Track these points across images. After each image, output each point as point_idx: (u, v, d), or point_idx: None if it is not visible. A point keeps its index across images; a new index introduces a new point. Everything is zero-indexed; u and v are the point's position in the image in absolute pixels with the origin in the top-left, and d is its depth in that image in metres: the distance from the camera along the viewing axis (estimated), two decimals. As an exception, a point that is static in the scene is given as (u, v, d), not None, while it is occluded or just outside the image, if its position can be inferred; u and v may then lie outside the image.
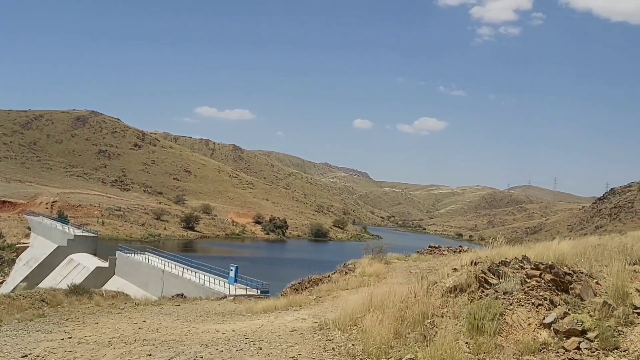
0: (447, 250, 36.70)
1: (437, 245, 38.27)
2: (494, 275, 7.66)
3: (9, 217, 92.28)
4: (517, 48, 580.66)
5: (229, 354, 7.29)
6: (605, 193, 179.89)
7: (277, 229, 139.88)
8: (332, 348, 7.35)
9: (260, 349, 7.68)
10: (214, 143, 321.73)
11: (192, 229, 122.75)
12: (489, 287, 7.48)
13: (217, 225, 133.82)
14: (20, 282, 62.12)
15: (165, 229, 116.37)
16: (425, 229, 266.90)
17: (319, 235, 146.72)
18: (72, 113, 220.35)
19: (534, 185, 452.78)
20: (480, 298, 7.23)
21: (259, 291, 34.62)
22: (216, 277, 38.35)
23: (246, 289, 34.72)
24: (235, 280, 37.17)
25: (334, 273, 34.93)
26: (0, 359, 7.97)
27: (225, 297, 31.82)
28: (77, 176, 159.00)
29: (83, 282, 52.73)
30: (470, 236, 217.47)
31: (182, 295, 31.24)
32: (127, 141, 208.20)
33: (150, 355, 7.73)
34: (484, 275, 7.65)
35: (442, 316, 7.39)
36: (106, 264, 53.92)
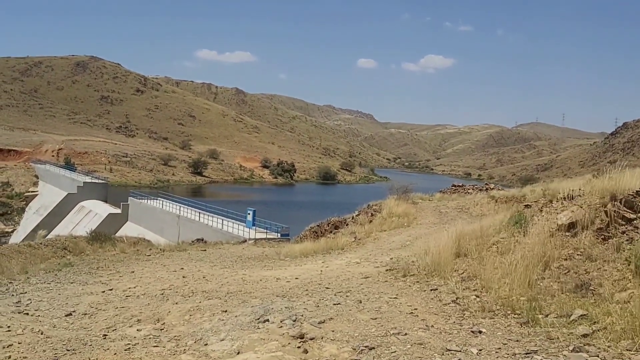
0: (472, 189, 35.58)
1: (460, 184, 37.11)
2: (630, 209, 6.27)
3: (15, 165, 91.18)
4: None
5: (331, 310, 5.90)
6: (618, 128, 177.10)
7: (285, 172, 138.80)
8: (452, 301, 6.05)
9: (360, 302, 6.38)
10: (216, 87, 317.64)
11: (200, 174, 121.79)
12: (625, 223, 6.12)
13: (225, 170, 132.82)
14: (32, 230, 61.65)
15: (173, 174, 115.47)
16: (432, 169, 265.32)
17: (327, 179, 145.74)
18: (72, 59, 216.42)
19: (542, 122, 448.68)
20: (620, 236, 5.88)
21: (278, 234, 33.64)
22: (233, 221, 37.32)
23: (266, 232, 33.71)
24: (253, 224, 36.17)
25: (358, 214, 33.89)
26: (40, 319, 6.74)
27: (245, 241, 30.86)
28: (81, 123, 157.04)
29: (96, 230, 52.10)
30: (479, 175, 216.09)
31: (202, 240, 30.26)
32: (128, 86, 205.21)
33: (226, 311, 6.45)
34: (617, 210, 6.26)
35: (569, 259, 6.07)
36: (119, 211, 53.01)
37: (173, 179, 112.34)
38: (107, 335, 5.85)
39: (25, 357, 5.37)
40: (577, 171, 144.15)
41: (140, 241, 22.85)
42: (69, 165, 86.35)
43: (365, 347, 4.70)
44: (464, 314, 5.78)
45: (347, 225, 33.61)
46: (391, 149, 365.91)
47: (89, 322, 6.61)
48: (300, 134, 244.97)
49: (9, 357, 5.22)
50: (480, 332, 5.13)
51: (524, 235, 7.02)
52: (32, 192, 79.83)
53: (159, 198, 48.91)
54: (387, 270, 8.57)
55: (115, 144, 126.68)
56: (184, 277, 10.75)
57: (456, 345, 4.77)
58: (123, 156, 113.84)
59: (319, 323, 5.50)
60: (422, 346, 4.72)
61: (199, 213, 40.52)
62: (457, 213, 24.47)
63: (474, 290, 6.28)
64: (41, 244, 18.36)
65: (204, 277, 10.47)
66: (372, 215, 33.17)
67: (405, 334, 5.07)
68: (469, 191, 33.02)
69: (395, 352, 4.54)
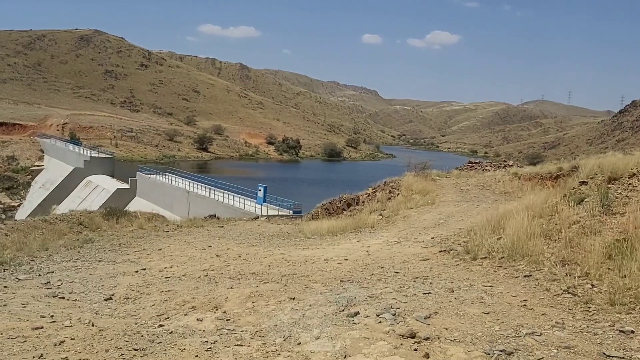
0: (490, 166, 34.91)
1: (477, 161, 36.45)
2: None
3: (20, 139, 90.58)
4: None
5: (428, 302, 5.12)
6: (626, 106, 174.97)
7: (290, 149, 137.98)
8: (564, 291, 5.32)
9: (452, 290, 5.67)
10: (220, 62, 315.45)
11: (206, 150, 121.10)
12: None
13: (230, 147, 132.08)
14: (38, 205, 61.33)
15: (179, 150, 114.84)
16: (438, 146, 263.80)
17: (332, 155, 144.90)
18: (75, 32, 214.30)
19: (548, 100, 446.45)
20: None
21: (290, 211, 33.13)
22: (244, 197, 36.82)
23: (278, 209, 33.21)
24: (264, 201, 35.70)
25: (374, 191, 33.34)
26: (78, 304, 6.08)
27: (258, 217, 30.36)
28: (86, 97, 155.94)
29: (104, 204, 51.73)
30: (485, 152, 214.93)
31: (215, 216, 29.79)
32: (132, 61, 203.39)
33: (294, 299, 5.76)
34: None
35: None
36: (127, 186, 52.55)
37: (179, 154, 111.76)
38: (162, 325, 5.18)
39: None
40: (584, 149, 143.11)
41: (154, 217, 22.35)
42: (74, 140, 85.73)
43: (501, 351, 4.01)
44: (589, 308, 5.06)
45: (362, 202, 33.12)
46: (396, 125, 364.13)
47: (134, 308, 5.98)
48: (304, 110, 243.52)
49: (66, 359, 4.51)
50: (632, 331, 4.47)
51: (606, 214, 6.38)
52: (38, 166, 79.35)
53: (167, 173, 48.39)
54: (441, 251, 7.96)
55: (120, 118, 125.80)
56: (217, 255, 10.18)
57: (615, 350, 4.09)
58: (128, 131, 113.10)
59: (425, 318, 4.83)
60: (572, 351, 4.05)
61: (209, 189, 40.01)
62: (479, 190, 23.86)
63: (579, 277, 5.59)
64: (57, 218, 17.81)
65: (239, 256, 9.88)
66: (390, 192, 32.61)
67: (541, 334, 4.38)
68: (486, 168, 32.39)
69: (542, 358, 3.87)
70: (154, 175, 49.76)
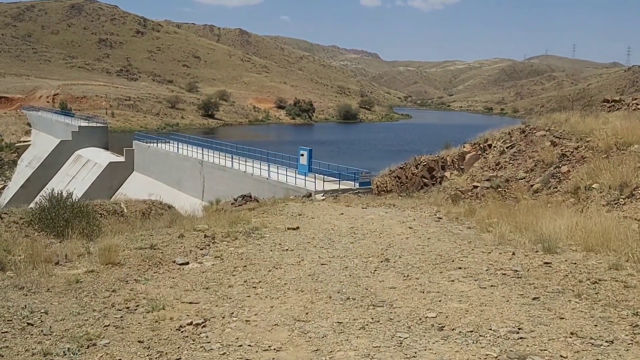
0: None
1: (617, 99, 26.30)
2: None
3: (5, 113, 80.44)
4: None
5: None
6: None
7: (303, 112, 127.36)
8: None
9: None
10: (219, 28, 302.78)
11: (212, 116, 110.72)
12: None
13: (238, 112, 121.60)
14: (21, 186, 51.64)
15: (182, 117, 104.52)
16: (449, 106, 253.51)
17: (347, 118, 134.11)
18: (66, 1, 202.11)
19: (552, 55, 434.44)
20: None
21: (356, 183, 23.11)
22: (279, 165, 26.75)
23: (338, 181, 23.10)
24: (310, 170, 25.61)
25: (469, 151, 23.61)
26: None
27: (311, 195, 20.34)
28: (79, 67, 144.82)
29: (96, 182, 41.80)
30: (502, 109, 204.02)
31: (250, 197, 19.73)
32: (127, 28, 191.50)
33: None
34: None
35: None
36: (122, 159, 42.52)
37: (183, 122, 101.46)
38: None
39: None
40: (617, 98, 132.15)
41: (152, 207, 12.41)
42: (65, 111, 75.46)
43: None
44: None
45: (455, 167, 23.00)
46: (400, 87, 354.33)
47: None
48: (310, 74, 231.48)
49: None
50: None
51: None
52: (25, 142, 69.43)
53: (172, 141, 38.21)
54: None
55: (117, 87, 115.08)
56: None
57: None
58: (126, 100, 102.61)
59: None
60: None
61: (231, 157, 29.81)
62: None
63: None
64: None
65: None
66: (484, 150, 22.46)
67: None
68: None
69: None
70: (155, 144, 39.56)
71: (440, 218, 11.17)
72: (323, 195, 20.51)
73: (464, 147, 22.82)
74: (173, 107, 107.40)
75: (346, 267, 7.07)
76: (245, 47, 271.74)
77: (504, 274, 6.63)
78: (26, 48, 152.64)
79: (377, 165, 31.03)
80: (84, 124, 55.71)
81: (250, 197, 19.43)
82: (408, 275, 6.66)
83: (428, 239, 8.81)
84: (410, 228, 9.93)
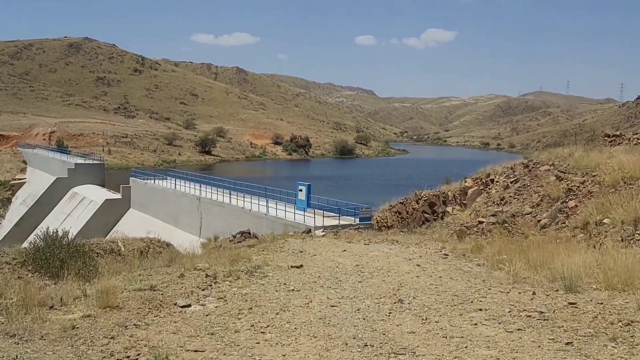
0: None
1: (617, 134, 26.17)
2: None
3: (0, 151, 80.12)
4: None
5: None
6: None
7: (299, 148, 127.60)
8: None
9: None
10: (216, 67, 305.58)
11: (209, 153, 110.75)
12: None
13: (235, 148, 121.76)
14: (15, 224, 50.97)
15: (179, 154, 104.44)
16: (445, 141, 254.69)
17: (344, 153, 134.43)
18: (64, 40, 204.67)
19: (547, 91, 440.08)
20: None
21: (356, 219, 22.70)
22: (277, 201, 26.34)
23: (338, 217, 22.68)
24: (309, 205, 25.22)
25: (470, 186, 23.35)
26: None
27: (310, 230, 19.99)
28: (76, 105, 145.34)
29: (91, 219, 41.24)
30: (499, 144, 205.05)
31: (249, 232, 19.35)
32: (125, 67, 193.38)
33: None
34: None
35: None
36: (118, 196, 42.08)
37: (180, 159, 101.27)
38: None
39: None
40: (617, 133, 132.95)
41: (150, 245, 11.97)
42: (62, 148, 75.20)
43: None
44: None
45: (456, 202, 22.67)
46: (396, 123, 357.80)
47: None
48: (307, 110, 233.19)
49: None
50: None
51: None
52: (19, 179, 68.81)
53: (169, 177, 37.86)
54: None
55: (114, 124, 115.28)
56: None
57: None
58: (123, 137, 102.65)
59: None
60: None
61: (229, 193, 29.45)
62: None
63: None
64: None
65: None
66: (486, 185, 22.24)
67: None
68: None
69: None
70: (152, 180, 39.19)
71: (446, 255, 10.81)
72: (323, 231, 20.12)
73: (465, 181, 22.55)
74: (170, 144, 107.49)
75: (358, 309, 6.63)
76: (242, 84, 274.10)
77: (529, 316, 6.21)
78: (23, 86, 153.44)
79: (375, 199, 30.70)
80: (80, 161, 55.38)
81: (249, 233, 19.05)
82: (426, 318, 6.23)
83: (439, 277, 8.41)
84: (418, 266, 9.54)
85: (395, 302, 6.90)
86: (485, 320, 6.13)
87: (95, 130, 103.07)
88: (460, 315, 6.34)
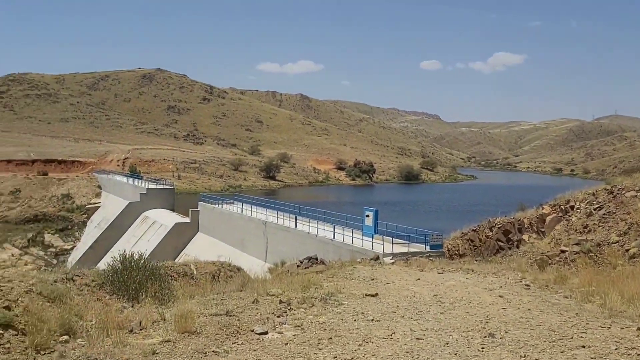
0: None
1: None
2: None
3: (77, 176, 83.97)
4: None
5: None
6: None
7: (363, 173, 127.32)
8: None
9: None
10: (281, 94, 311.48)
11: (273, 178, 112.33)
12: None
13: (299, 174, 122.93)
14: (90, 247, 52.98)
15: (245, 179, 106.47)
16: (515, 166, 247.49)
17: (409, 178, 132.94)
18: (138, 72, 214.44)
19: (622, 115, 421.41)
20: None
21: (426, 246, 22.11)
22: (343, 227, 26.05)
23: (407, 244, 22.16)
24: (376, 231, 24.80)
25: (548, 213, 22.20)
26: None
27: (379, 257, 19.55)
28: (148, 133, 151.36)
29: (161, 243, 42.28)
30: (572, 170, 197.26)
31: (316, 259, 19.14)
32: (195, 95, 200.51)
33: None
34: None
35: None
36: (187, 220, 43.06)
37: (245, 183, 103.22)
38: None
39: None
40: None
41: (221, 269, 11.95)
42: (134, 174, 78.13)
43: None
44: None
45: (533, 230, 21.68)
46: (463, 148, 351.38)
47: None
48: (370, 135, 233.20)
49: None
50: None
51: None
52: (94, 203, 71.78)
53: (236, 202, 38.41)
54: None
55: (183, 151, 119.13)
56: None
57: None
58: (191, 163, 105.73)
59: None
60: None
61: (294, 218, 29.50)
62: None
63: None
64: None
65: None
66: (565, 212, 21.07)
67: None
68: None
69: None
70: (220, 205, 39.89)
71: (528, 286, 10.22)
72: (392, 259, 19.67)
73: (542, 208, 21.55)
74: (236, 170, 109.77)
75: (447, 343, 6.23)
76: (305, 111, 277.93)
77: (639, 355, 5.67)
78: (100, 115, 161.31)
79: (444, 226, 29.85)
80: (152, 186, 57.20)
81: (317, 259, 18.82)
82: (525, 355, 5.74)
83: (528, 310, 7.87)
84: (501, 297, 9.01)
85: (485, 336, 6.46)
86: (592, 358, 5.63)
87: (166, 156, 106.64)
88: (562, 352, 5.83)
